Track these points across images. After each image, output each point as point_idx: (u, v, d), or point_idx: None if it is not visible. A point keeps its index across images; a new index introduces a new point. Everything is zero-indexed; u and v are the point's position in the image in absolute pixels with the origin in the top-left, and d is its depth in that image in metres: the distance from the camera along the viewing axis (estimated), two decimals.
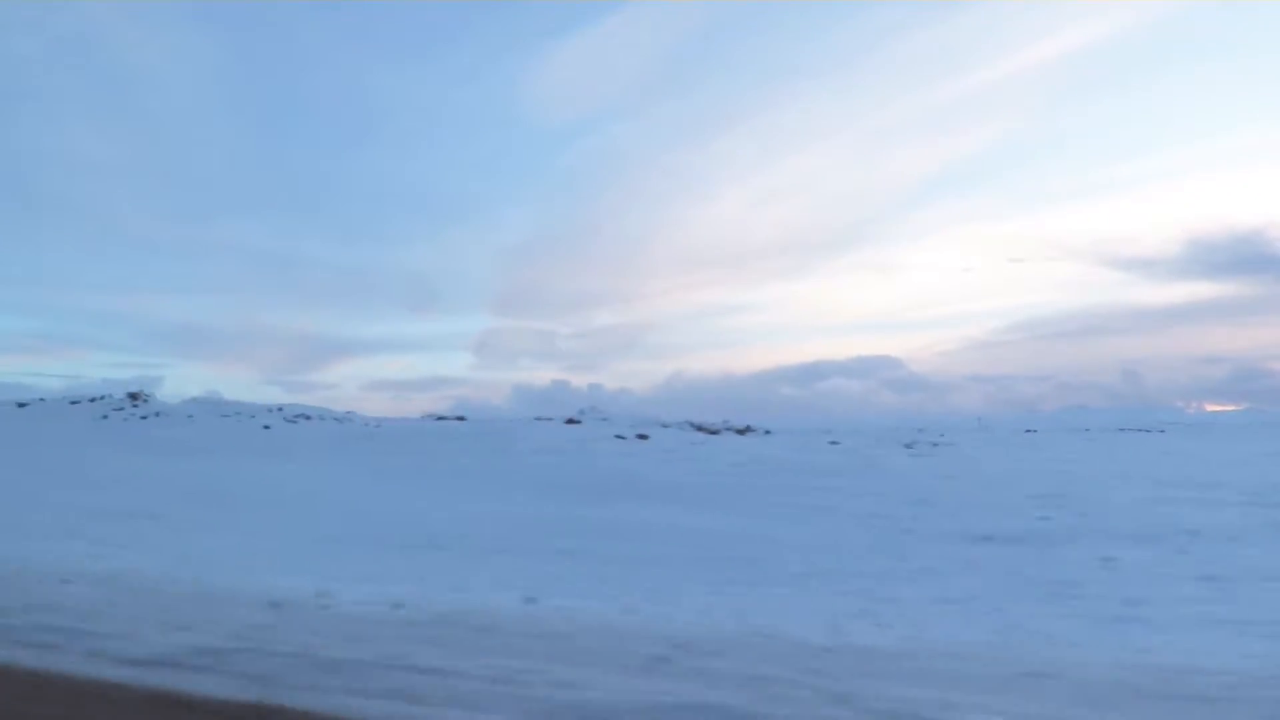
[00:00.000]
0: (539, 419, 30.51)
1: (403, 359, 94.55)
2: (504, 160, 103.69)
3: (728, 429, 29.16)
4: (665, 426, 28.55)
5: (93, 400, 33.27)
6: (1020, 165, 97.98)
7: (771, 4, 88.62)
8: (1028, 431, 40.80)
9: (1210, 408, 50.36)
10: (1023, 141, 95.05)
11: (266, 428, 26.36)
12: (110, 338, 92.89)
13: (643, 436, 21.97)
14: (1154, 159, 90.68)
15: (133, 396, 32.75)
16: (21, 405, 32.29)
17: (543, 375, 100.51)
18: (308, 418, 30.00)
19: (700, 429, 28.70)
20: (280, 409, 31.87)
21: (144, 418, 28.82)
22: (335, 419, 30.26)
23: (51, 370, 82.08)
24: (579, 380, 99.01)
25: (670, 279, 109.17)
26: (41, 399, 34.50)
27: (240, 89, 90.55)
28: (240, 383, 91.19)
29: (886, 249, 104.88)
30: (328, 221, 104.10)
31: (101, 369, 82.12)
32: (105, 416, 29.20)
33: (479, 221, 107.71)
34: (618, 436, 21.72)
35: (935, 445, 22.44)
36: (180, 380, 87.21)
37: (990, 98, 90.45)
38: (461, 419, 31.63)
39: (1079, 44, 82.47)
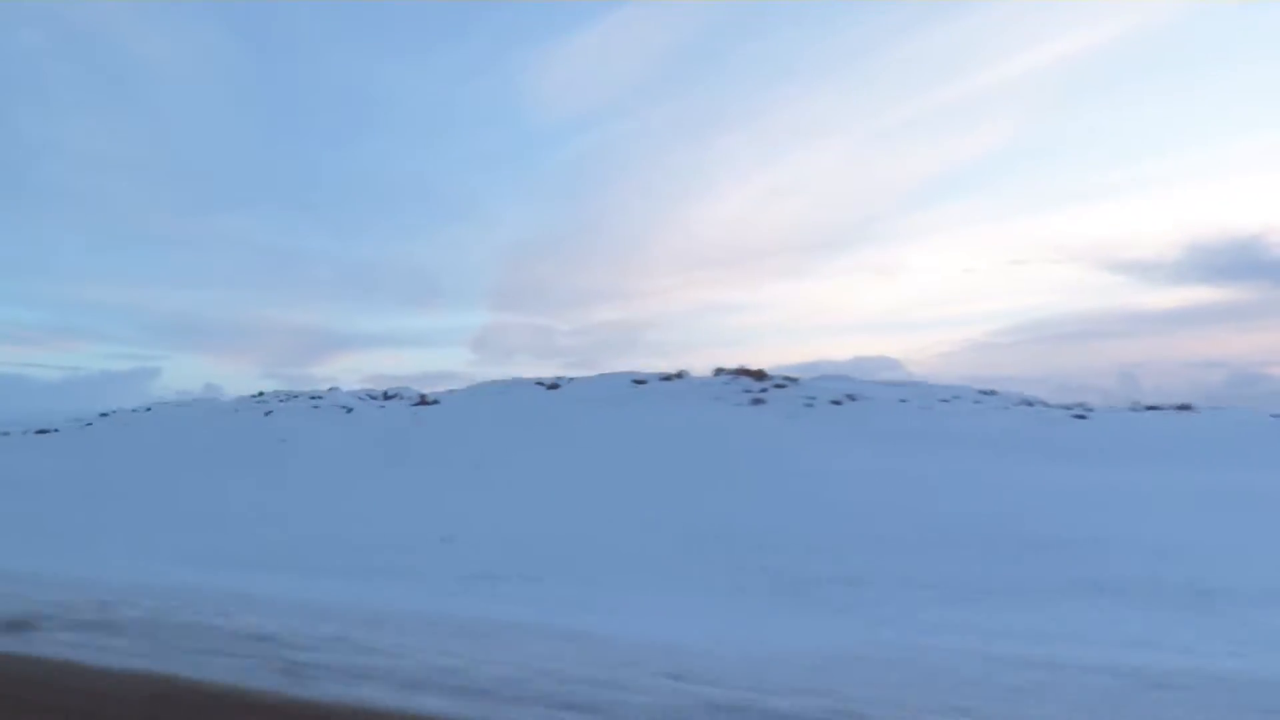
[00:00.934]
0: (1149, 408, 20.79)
1: (401, 353, 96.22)
2: (505, 156, 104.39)
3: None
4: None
5: (666, 378, 24.19)
6: (1022, 167, 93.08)
7: (774, 4, 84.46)
8: None
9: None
10: (1025, 144, 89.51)
11: (1081, 417, 18.85)
12: (109, 329, 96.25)
13: None
14: (1154, 163, 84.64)
15: (755, 374, 23.70)
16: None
17: (542, 371, 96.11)
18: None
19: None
20: (994, 394, 22.60)
21: (809, 404, 20.12)
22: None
23: (49, 361, 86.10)
24: (578, 377, 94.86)
25: (670, 277, 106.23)
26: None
27: (242, 83, 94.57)
28: (238, 376, 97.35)
29: (888, 249, 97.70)
30: (328, 215, 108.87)
31: (100, 360, 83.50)
32: (760, 401, 20.81)
33: (479, 217, 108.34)
34: None
35: None
36: (178, 373, 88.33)
37: (992, 100, 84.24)
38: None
39: (1081, 48, 77.47)
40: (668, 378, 23.45)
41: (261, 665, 4.00)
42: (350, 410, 24.73)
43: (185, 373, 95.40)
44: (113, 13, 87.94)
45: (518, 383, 25.68)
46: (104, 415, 28.09)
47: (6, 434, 25.48)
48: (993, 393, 22.33)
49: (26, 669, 4.07)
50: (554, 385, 24.44)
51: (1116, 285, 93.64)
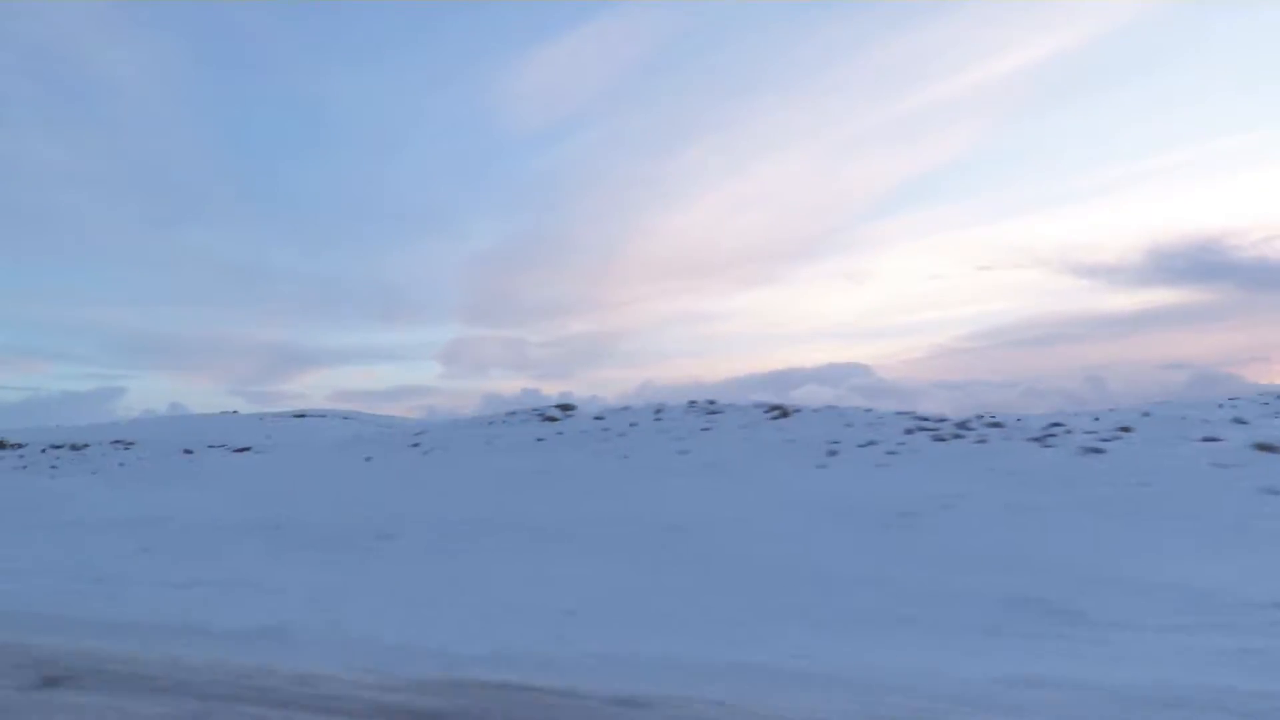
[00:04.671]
0: None
1: (371, 369, 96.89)
2: (475, 167, 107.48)
3: None
4: None
5: None
6: (987, 174, 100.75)
7: (741, 16, 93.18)
8: None
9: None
10: (989, 151, 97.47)
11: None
12: (71, 349, 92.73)
13: None
14: (1116, 169, 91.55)
15: None
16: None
17: (513, 384, 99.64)
18: None
19: None
20: None
21: None
22: None
23: (9, 383, 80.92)
24: (549, 389, 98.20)
25: (641, 287, 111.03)
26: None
27: (206, 95, 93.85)
28: (204, 394, 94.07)
29: (856, 257, 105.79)
30: (296, 229, 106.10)
31: (61, 381, 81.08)
32: None
33: (449, 229, 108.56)
34: None
35: None
36: (143, 392, 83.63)
37: (957, 108, 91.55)
38: None
39: (1043, 56, 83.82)
40: None
41: None
42: None
43: (150, 392, 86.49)
44: (73, 29, 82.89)
45: None
46: None
47: None
48: None
49: None
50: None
51: (1081, 289, 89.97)
